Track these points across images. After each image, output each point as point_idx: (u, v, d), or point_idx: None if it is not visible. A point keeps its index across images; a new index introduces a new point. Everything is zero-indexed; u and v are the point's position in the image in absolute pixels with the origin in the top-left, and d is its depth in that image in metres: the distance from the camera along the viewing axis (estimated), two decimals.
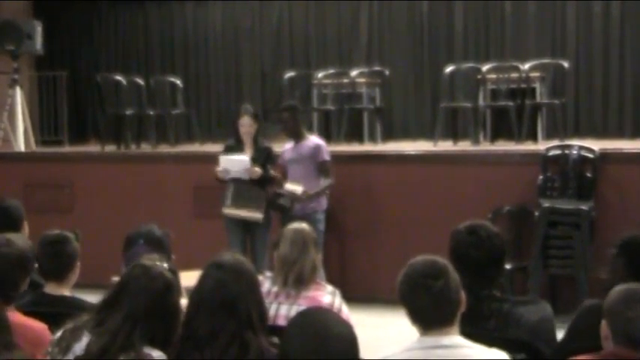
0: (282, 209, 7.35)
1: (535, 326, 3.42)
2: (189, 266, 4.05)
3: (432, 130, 10.09)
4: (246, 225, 7.51)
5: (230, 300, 2.88)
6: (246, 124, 7.51)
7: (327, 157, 7.52)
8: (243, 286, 2.93)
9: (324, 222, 7.56)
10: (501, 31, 10.99)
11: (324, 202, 7.61)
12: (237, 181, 7.40)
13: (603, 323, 2.95)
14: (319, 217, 7.44)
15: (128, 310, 2.89)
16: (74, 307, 3.69)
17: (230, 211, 7.47)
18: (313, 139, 7.64)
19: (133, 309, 2.89)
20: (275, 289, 4.09)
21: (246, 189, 7.40)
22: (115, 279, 3.16)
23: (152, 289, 2.92)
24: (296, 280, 4.06)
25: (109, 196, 9.40)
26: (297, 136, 7.56)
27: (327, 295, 4.07)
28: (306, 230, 4.22)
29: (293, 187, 7.33)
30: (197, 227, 8.53)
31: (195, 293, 2.95)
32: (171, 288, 2.97)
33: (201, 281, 2.96)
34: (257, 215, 7.41)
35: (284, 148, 7.71)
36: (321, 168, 7.49)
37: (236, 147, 7.57)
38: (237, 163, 7.39)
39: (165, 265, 3.03)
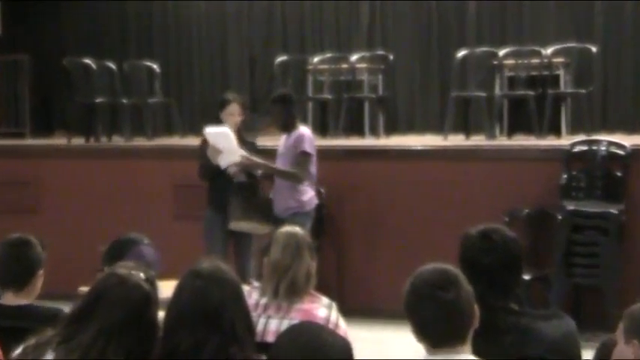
0: (244, 187, 7.33)
1: (557, 343, 3.43)
2: (168, 274, 4.05)
3: (441, 122, 10.10)
4: (229, 229, 7.47)
5: (211, 311, 2.88)
6: (236, 113, 7.51)
7: (307, 149, 7.33)
8: (226, 295, 2.93)
9: (309, 225, 7.43)
10: (519, 10, 10.99)
11: (309, 202, 7.49)
12: (242, 189, 7.38)
13: (634, 344, 2.93)
14: (302, 219, 7.27)
15: (102, 323, 2.89)
16: (33, 318, 3.69)
17: (240, 223, 7.40)
18: (300, 130, 7.50)
19: (108, 322, 2.89)
20: (264, 300, 4.09)
21: (253, 196, 7.39)
22: (84, 289, 3.16)
23: (129, 301, 2.92)
24: (288, 289, 4.06)
25: (78, 195, 9.40)
26: (289, 129, 7.51)
27: (322, 308, 4.07)
28: (300, 234, 4.22)
29: (231, 159, 7.28)
30: (177, 230, 8.54)
31: (172, 306, 2.95)
32: (149, 300, 2.97)
33: (178, 293, 2.96)
34: (265, 229, 7.33)
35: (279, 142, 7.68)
36: (297, 159, 7.33)
37: None
38: (222, 137, 7.29)
39: (142, 274, 3.03)
